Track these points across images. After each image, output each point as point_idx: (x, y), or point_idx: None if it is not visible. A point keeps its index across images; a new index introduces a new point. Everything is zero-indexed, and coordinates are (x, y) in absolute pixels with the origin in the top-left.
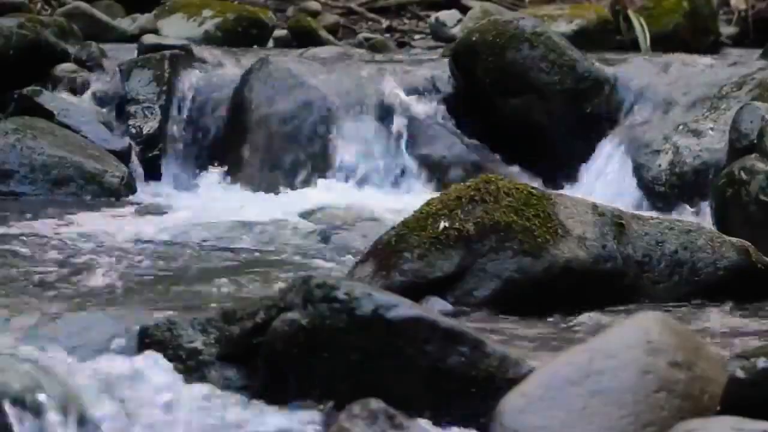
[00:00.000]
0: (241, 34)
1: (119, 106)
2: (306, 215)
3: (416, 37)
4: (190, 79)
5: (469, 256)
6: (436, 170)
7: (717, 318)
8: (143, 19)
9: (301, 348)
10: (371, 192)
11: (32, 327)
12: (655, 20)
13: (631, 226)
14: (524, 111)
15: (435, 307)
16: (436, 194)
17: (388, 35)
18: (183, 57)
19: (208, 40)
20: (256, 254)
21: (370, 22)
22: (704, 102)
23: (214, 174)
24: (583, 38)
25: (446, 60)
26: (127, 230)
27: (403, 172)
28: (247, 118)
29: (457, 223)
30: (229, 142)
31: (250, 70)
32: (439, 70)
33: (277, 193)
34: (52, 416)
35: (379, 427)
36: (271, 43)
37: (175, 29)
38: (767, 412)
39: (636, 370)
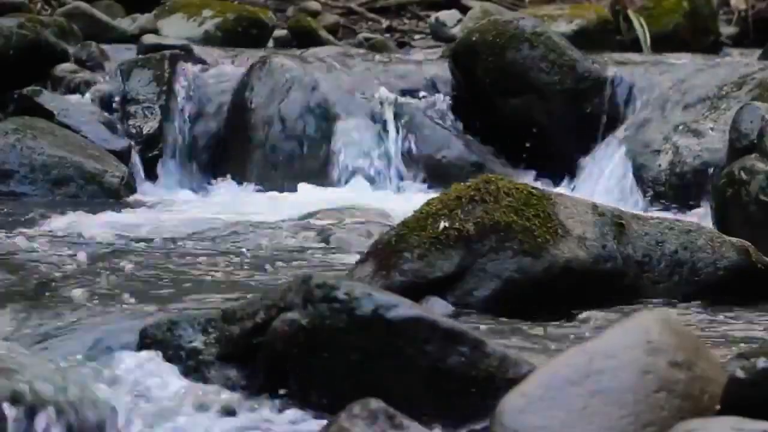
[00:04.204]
0: (241, 34)
1: (119, 106)
2: (306, 215)
3: (416, 37)
4: (190, 79)
5: (469, 256)
6: (436, 170)
7: (717, 318)
8: (143, 19)
9: (301, 348)
10: (371, 192)
11: (32, 327)
12: (655, 20)
13: (631, 226)
14: (524, 111)
15: (435, 307)
16: (436, 194)
17: (388, 35)
18: (183, 57)
19: (208, 40)
20: (256, 254)
21: (370, 22)
22: (704, 102)
23: (213, 174)
24: (583, 38)
25: (446, 60)
26: (126, 230)
27: (403, 172)
28: (247, 118)
29: (457, 223)
30: (229, 142)
31: (250, 70)
32: (439, 70)
33: (276, 193)
34: (52, 417)
35: (379, 427)
36: (271, 43)
37: (175, 29)
38: (767, 412)
39: (636, 370)
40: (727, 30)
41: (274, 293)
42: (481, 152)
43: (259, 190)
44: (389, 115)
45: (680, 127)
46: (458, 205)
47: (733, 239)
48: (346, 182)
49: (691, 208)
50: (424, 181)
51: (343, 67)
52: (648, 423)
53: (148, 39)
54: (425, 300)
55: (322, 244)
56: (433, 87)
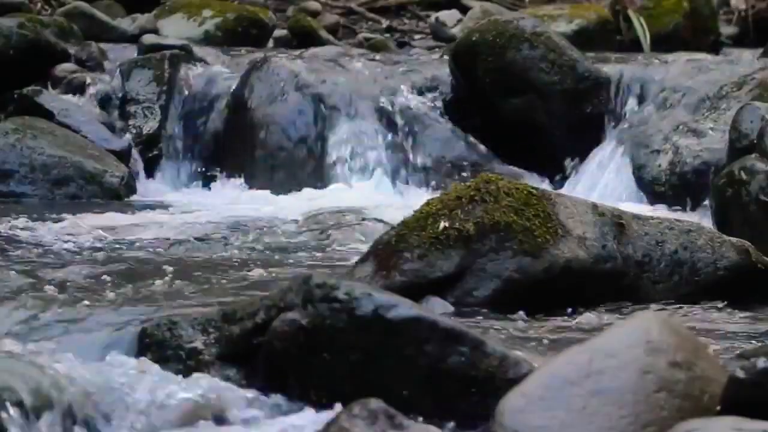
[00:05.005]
0: (241, 34)
1: (119, 106)
2: (306, 215)
3: (416, 37)
4: (189, 79)
5: (469, 256)
6: (436, 170)
7: (717, 318)
8: (143, 19)
9: (301, 348)
10: (371, 192)
11: (32, 327)
12: (655, 20)
13: (631, 226)
14: (524, 111)
15: (435, 307)
16: (436, 194)
17: (388, 35)
18: (183, 57)
19: (208, 40)
20: (256, 254)
21: (370, 22)
22: (704, 102)
23: (213, 174)
24: (583, 38)
25: (446, 60)
26: (126, 230)
27: (403, 172)
28: (247, 118)
29: (457, 223)
30: (229, 142)
31: (250, 70)
32: (439, 70)
33: (276, 193)
34: (53, 417)
35: (379, 427)
36: (271, 43)
37: (175, 29)
38: (767, 412)
39: (636, 370)
40: (727, 30)
41: (274, 293)
42: (481, 152)
43: (258, 190)
44: (389, 115)
45: (680, 127)
46: (458, 205)
47: (733, 239)
48: (346, 182)
49: (691, 208)
50: (424, 181)
51: (343, 67)
52: (648, 423)
53: (148, 39)
54: (425, 300)
55: (322, 244)
56: (433, 87)
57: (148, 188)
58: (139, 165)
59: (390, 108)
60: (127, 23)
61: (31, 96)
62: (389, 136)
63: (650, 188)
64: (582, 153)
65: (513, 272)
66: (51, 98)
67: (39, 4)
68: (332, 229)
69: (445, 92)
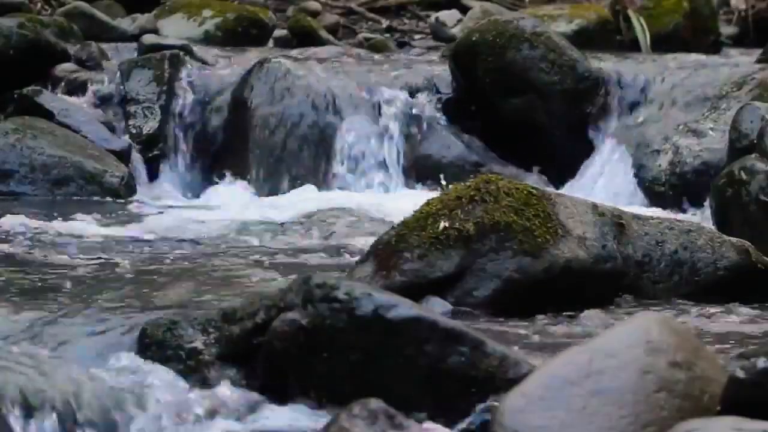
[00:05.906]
0: (241, 34)
1: (119, 106)
2: (306, 215)
3: (416, 37)
4: (190, 79)
5: (469, 256)
6: (436, 170)
7: (717, 318)
8: (143, 19)
9: (301, 348)
10: (371, 192)
11: (32, 327)
12: (655, 20)
13: (631, 226)
14: (524, 111)
15: (435, 307)
16: (436, 194)
17: (388, 35)
18: (183, 57)
19: (208, 40)
20: (257, 254)
21: (370, 22)
22: (704, 102)
23: (213, 174)
24: (583, 38)
25: (446, 60)
26: (126, 230)
27: (402, 172)
28: (247, 119)
29: (457, 223)
30: (229, 142)
31: (250, 70)
32: (439, 70)
33: (276, 193)
34: (52, 417)
35: (379, 427)
36: (271, 43)
37: (175, 29)
38: (767, 412)
39: (636, 370)
40: (727, 30)
41: (274, 293)
42: (481, 152)
43: (259, 190)
44: (389, 115)
45: (680, 127)
46: (458, 205)
47: (733, 239)
48: (347, 182)
49: (691, 208)
50: (424, 181)
51: (343, 67)
52: (648, 423)
53: (148, 39)
54: (425, 300)
55: (322, 244)
56: (433, 87)
57: (148, 188)
58: (139, 165)
59: (390, 108)
60: (127, 23)
61: (31, 96)
62: (389, 136)
63: (650, 188)
64: (582, 153)
65: (513, 272)
66: (51, 98)
67: (39, 4)
68: (332, 229)
69: (445, 92)
